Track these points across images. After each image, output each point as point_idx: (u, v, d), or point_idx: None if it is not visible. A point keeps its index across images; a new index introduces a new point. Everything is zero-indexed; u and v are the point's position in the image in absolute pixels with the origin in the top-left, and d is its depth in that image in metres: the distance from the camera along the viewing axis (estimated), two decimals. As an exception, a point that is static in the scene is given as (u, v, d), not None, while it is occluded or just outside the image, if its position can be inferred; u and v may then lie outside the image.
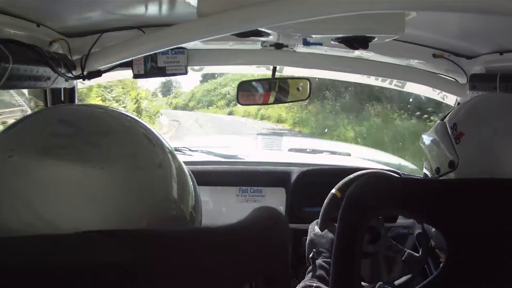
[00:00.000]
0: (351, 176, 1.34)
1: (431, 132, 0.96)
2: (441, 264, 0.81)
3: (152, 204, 0.50)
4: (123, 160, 0.48)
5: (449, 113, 0.93)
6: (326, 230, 1.30)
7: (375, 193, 0.81)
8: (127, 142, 0.50)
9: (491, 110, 0.85)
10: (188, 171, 0.59)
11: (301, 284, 1.15)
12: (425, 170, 1.00)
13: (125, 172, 0.48)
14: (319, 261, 1.20)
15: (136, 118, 0.56)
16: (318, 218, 1.43)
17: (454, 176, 0.85)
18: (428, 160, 0.97)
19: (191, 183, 0.58)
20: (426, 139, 0.98)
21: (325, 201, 1.32)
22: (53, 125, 0.49)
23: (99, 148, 0.48)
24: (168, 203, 0.52)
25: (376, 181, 0.87)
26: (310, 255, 1.23)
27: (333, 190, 1.33)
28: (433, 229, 0.95)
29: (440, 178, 0.90)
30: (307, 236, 1.44)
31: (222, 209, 1.78)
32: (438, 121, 0.95)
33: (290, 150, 2.77)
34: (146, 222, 0.49)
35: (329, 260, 1.21)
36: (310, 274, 1.20)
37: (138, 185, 0.49)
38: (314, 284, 1.10)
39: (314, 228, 1.33)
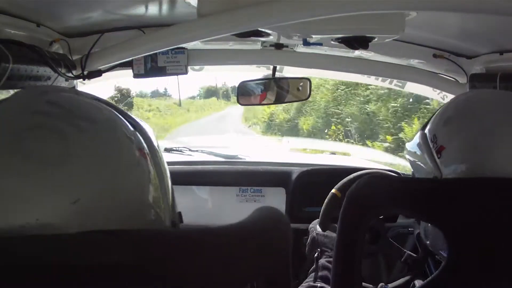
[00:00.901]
0: (351, 176, 1.34)
1: (413, 143, 0.93)
2: (441, 264, 0.81)
3: (130, 198, 0.49)
4: (103, 153, 0.48)
5: (429, 120, 0.91)
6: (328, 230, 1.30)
7: (376, 192, 0.81)
8: (106, 136, 0.49)
9: (466, 115, 0.82)
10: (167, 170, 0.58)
11: (305, 284, 1.15)
12: None
13: (104, 166, 0.47)
14: (322, 261, 1.20)
15: (123, 112, 0.55)
16: (318, 218, 1.43)
17: None
18: (413, 173, 0.96)
19: (168, 181, 0.58)
20: (409, 152, 0.95)
21: (325, 201, 1.32)
22: (40, 106, 0.49)
23: (82, 135, 0.47)
24: (148, 196, 0.51)
25: (376, 181, 0.86)
26: (315, 255, 1.23)
27: (333, 190, 1.33)
28: (428, 229, 0.95)
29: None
30: (307, 236, 1.44)
31: (222, 209, 1.78)
32: (419, 130, 0.92)
33: (290, 150, 2.77)
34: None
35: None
36: (313, 274, 1.19)
37: (117, 178, 0.48)
38: (319, 285, 1.10)
39: (316, 227, 1.33)
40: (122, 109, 0.56)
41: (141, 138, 0.53)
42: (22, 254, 0.40)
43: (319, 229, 1.32)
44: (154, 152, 0.54)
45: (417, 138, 0.91)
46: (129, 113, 0.57)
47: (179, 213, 0.60)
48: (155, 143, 0.55)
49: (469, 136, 0.79)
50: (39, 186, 0.44)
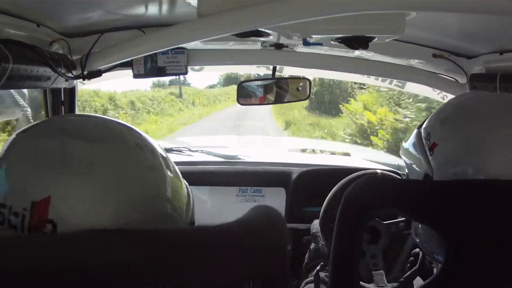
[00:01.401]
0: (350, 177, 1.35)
1: (409, 142, 0.93)
2: (439, 266, 0.81)
3: (142, 204, 0.53)
4: (114, 167, 0.52)
5: (425, 120, 0.91)
6: None
7: (374, 193, 0.81)
8: (118, 150, 0.55)
9: (463, 114, 0.82)
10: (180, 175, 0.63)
11: None
12: None
13: (116, 179, 0.52)
14: (322, 275, 1.19)
15: (130, 127, 0.61)
16: (318, 218, 1.43)
17: None
18: (407, 173, 0.96)
19: (184, 185, 0.62)
20: (405, 149, 0.95)
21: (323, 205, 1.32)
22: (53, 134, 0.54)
23: (91, 156, 0.52)
24: (159, 202, 0.55)
25: (374, 181, 0.86)
26: (318, 267, 1.22)
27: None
28: (419, 230, 0.95)
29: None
30: (307, 236, 1.44)
31: (222, 209, 1.78)
32: (416, 129, 0.92)
33: (290, 150, 2.77)
34: (138, 221, 0.52)
35: (314, 270, 1.21)
36: (311, 285, 1.18)
37: (131, 190, 0.52)
38: None
39: (321, 237, 1.32)
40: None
41: (147, 149, 0.58)
42: (30, 254, 0.41)
43: (323, 240, 1.31)
44: (165, 160, 0.59)
45: (412, 137, 0.92)
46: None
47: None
48: (163, 153, 0.60)
49: (463, 137, 0.78)
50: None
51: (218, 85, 25.06)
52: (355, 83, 9.17)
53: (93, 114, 0.64)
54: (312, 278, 1.20)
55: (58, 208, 0.48)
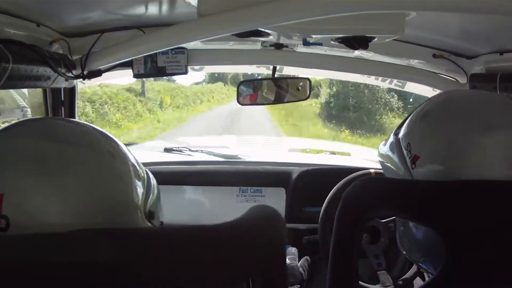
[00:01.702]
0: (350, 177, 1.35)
1: (387, 147, 0.89)
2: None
3: (106, 209, 0.54)
4: (79, 169, 0.55)
5: (401, 124, 0.87)
6: None
7: (372, 194, 0.80)
8: (90, 155, 0.57)
9: (441, 117, 0.79)
10: (152, 179, 0.67)
11: None
12: None
13: (81, 179, 0.54)
14: None
15: (107, 135, 0.63)
16: (318, 218, 1.43)
17: None
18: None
19: (154, 190, 0.65)
20: (382, 155, 0.91)
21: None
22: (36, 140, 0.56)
23: (62, 157, 0.55)
24: (124, 210, 0.57)
25: (373, 182, 0.86)
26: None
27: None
28: (404, 241, 0.94)
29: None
30: (307, 236, 1.44)
31: (222, 209, 1.78)
32: (392, 135, 0.88)
33: (290, 150, 2.77)
34: (101, 225, 0.52)
35: None
36: None
37: (96, 195, 0.54)
38: None
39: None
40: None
41: (119, 154, 0.60)
42: (17, 252, 0.41)
43: None
44: (135, 168, 0.62)
45: (391, 144, 0.88)
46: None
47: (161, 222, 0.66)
48: (133, 160, 0.63)
49: (445, 143, 0.76)
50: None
51: (204, 82, 20.83)
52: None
53: (76, 120, 0.68)
54: None
55: (13, 205, 0.50)
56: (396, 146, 0.85)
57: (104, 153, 0.58)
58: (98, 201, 0.54)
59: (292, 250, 1.37)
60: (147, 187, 0.64)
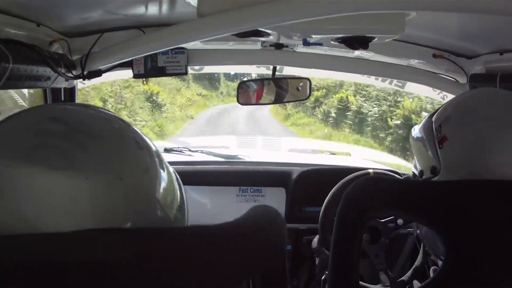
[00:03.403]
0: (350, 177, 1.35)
1: (420, 128, 0.93)
2: (439, 265, 0.81)
3: (136, 210, 0.50)
4: (109, 168, 0.48)
5: (439, 109, 0.91)
6: None
7: (372, 194, 0.81)
8: (115, 147, 0.50)
9: (475, 111, 0.82)
10: (174, 173, 0.60)
11: None
12: (413, 169, 1.00)
13: (110, 181, 0.48)
14: None
15: (126, 121, 0.57)
16: (318, 218, 1.43)
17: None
18: (415, 159, 0.96)
19: (178, 185, 0.60)
20: (414, 135, 0.96)
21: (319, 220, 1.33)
22: (43, 124, 0.49)
23: (87, 152, 0.48)
24: (152, 207, 0.52)
25: (373, 182, 0.86)
26: (323, 277, 1.22)
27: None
28: (421, 231, 0.95)
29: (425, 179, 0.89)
30: (307, 236, 1.45)
31: (222, 209, 1.78)
32: (427, 117, 0.93)
33: (290, 150, 2.77)
34: (130, 225, 0.49)
35: None
36: None
37: (123, 193, 0.49)
38: None
39: (322, 250, 1.32)
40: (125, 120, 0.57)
41: (145, 148, 0.54)
42: (25, 251, 0.41)
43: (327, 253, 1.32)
44: (160, 159, 0.55)
45: (423, 125, 0.92)
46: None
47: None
48: (159, 154, 0.57)
49: (474, 134, 0.79)
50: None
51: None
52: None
53: (86, 104, 0.59)
54: None
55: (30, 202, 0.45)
56: (427, 126, 0.89)
57: (132, 144, 0.52)
58: (122, 199, 0.49)
59: (315, 243, 1.37)
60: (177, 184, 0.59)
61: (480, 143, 0.78)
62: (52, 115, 0.51)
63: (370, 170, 1.56)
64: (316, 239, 1.39)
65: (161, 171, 0.55)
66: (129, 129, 0.55)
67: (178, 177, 0.61)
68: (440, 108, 0.91)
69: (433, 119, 0.88)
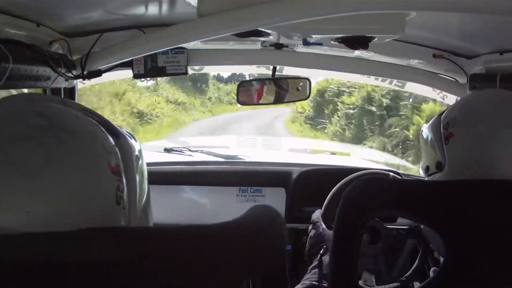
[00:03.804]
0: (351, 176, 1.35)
1: (429, 126, 0.95)
2: (439, 265, 0.81)
3: (99, 209, 0.50)
4: (74, 166, 0.49)
5: (447, 108, 0.93)
6: None
7: (372, 194, 0.81)
8: (83, 149, 0.51)
9: (483, 110, 0.83)
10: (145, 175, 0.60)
11: (307, 282, 1.14)
12: (420, 170, 1.01)
13: (76, 177, 0.49)
14: (326, 259, 1.19)
15: (104, 121, 0.57)
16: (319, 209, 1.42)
17: (441, 178, 0.85)
18: (422, 159, 0.97)
19: (146, 185, 0.60)
20: (423, 133, 0.98)
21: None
22: (27, 115, 0.51)
23: (63, 146, 0.49)
24: (116, 208, 0.52)
25: (372, 182, 0.87)
26: (321, 251, 1.21)
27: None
28: (426, 228, 0.95)
29: (429, 177, 0.90)
30: (307, 236, 1.44)
31: (222, 209, 1.78)
32: (436, 115, 0.94)
33: (291, 150, 2.77)
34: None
35: (317, 254, 1.22)
36: (316, 270, 1.18)
37: (87, 190, 0.49)
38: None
39: (321, 223, 1.32)
40: (108, 121, 0.58)
41: (118, 152, 0.54)
42: (22, 251, 0.41)
43: (323, 225, 1.31)
44: (129, 165, 0.56)
45: (432, 122, 0.93)
46: (114, 125, 0.58)
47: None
48: (133, 157, 0.57)
49: (479, 133, 0.80)
50: (18, 194, 0.47)
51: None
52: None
53: (67, 100, 0.59)
54: (316, 263, 1.20)
55: None
56: (436, 125, 0.90)
57: (99, 149, 0.52)
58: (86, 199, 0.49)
59: (316, 216, 1.37)
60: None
61: (483, 142, 0.79)
62: (35, 109, 0.52)
63: (378, 171, 1.56)
64: (317, 211, 1.38)
65: (130, 172, 0.55)
66: (100, 130, 0.55)
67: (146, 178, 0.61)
68: (448, 108, 0.93)
69: (442, 117, 0.90)
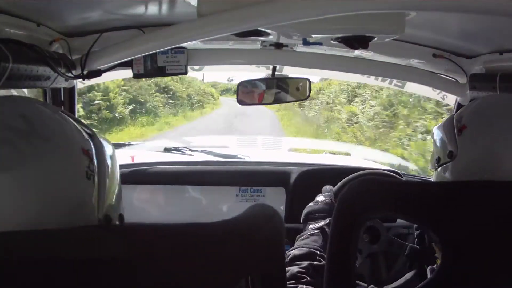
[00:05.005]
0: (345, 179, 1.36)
1: (440, 125, 0.96)
2: (438, 266, 0.81)
3: (67, 212, 0.51)
4: (49, 169, 0.51)
5: (461, 108, 0.94)
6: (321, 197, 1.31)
7: (368, 196, 0.81)
8: (61, 152, 0.53)
9: (498, 110, 0.84)
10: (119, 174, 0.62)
11: (304, 248, 1.12)
12: (429, 165, 1.01)
13: (47, 180, 0.51)
14: (311, 227, 1.21)
15: (82, 124, 0.59)
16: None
17: (452, 168, 0.85)
18: (433, 153, 0.97)
19: (118, 191, 0.61)
20: (435, 132, 0.98)
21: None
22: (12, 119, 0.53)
23: (36, 150, 0.51)
24: (85, 211, 0.53)
25: (368, 184, 0.86)
26: (327, 222, 1.22)
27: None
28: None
29: (440, 168, 0.91)
30: None
31: (222, 209, 1.78)
32: (449, 116, 0.95)
33: (291, 150, 2.77)
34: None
35: (321, 221, 1.22)
36: (316, 238, 1.18)
37: (57, 192, 0.51)
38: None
39: (333, 197, 1.33)
40: (84, 123, 0.61)
41: (94, 154, 0.56)
42: (24, 247, 0.41)
43: (322, 197, 1.32)
44: (103, 168, 0.58)
45: (445, 121, 0.94)
46: (92, 129, 0.61)
47: (121, 214, 0.62)
48: (107, 158, 0.59)
49: (492, 129, 0.81)
50: None
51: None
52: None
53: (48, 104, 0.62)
54: (317, 231, 1.19)
55: None
56: (449, 122, 0.91)
57: (74, 151, 0.54)
58: (55, 202, 0.51)
59: (327, 188, 1.37)
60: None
61: (499, 140, 0.80)
62: (21, 112, 0.54)
63: (378, 171, 1.56)
64: (328, 187, 1.38)
65: (104, 177, 0.57)
66: (80, 135, 0.57)
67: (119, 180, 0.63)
68: (462, 108, 0.94)
69: (455, 114, 0.91)
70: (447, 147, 0.88)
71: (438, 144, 0.94)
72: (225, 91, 28.00)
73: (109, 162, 0.60)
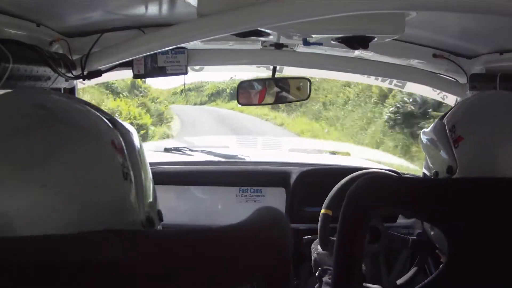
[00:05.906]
0: (336, 190, 1.36)
1: (430, 131, 0.94)
2: (441, 264, 0.81)
3: (106, 184, 0.49)
4: (78, 147, 0.48)
5: (448, 111, 0.92)
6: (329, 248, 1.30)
7: (376, 193, 0.81)
8: (90, 149, 0.50)
9: (490, 110, 0.84)
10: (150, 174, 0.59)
11: None
12: (424, 170, 1.00)
13: (81, 156, 0.48)
14: (325, 279, 1.20)
15: (112, 118, 0.56)
16: (318, 218, 1.43)
17: None
18: (427, 161, 0.97)
19: (152, 186, 0.59)
20: (425, 138, 0.97)
21: (319, 222, 1.33)
22: (27, 108, 0.50)
23: (67, 139, 0.48)
24: (127, 212, 0.51)
25: (377, 181, 0.87)
26: (317, 274, 1.23)
27: (322, 211, 1.34)
28: (432, 232, 0.95)
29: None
30: (307, 236, 1.44)
31: (222, 209, 1.78)
32: (437, 120, 0.94)
33: (290, 150, 2.77)
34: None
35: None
36: None
37: (93, 168, 0.49)
38: None
39: (316, 247, 1.33)
40: (110, 114, 0.57)
41: (124, 147, 0.53)
42: (28, 252, 0.41)
43: (319, 248, 1.31)
44: (136, 161, 0.54)
45: (434, 128, 0.92)
46: (117, 118, 0.57)
47: (159, 211, 0.59)
48: (136, 149, 0.56)
49: (489, 133, 0.80)
50: (20, 184, 0.46)
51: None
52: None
53: (75, 97, 0.59)
54: (317, 285, 1.20)
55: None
56: (439, 128, 0.89)
57: (103, 142, 0.51)
58: (98, 207, 0.48)
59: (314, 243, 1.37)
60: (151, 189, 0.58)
61: (495, 142, 0.79)
62: (39, 102, 0.51)
63: (379, 170, 1.56)
64: (317, 242, 1.39)
65: (139, 174, 0.54)
66: (109, 129, 0.53)
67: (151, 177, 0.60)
68: (450, 109, 0.92)
69: (445, 120, 0.89)
70: (444, 161, 0.86)
71: (432, 156, 0.92)
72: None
73: (138, 152, 0.55)
